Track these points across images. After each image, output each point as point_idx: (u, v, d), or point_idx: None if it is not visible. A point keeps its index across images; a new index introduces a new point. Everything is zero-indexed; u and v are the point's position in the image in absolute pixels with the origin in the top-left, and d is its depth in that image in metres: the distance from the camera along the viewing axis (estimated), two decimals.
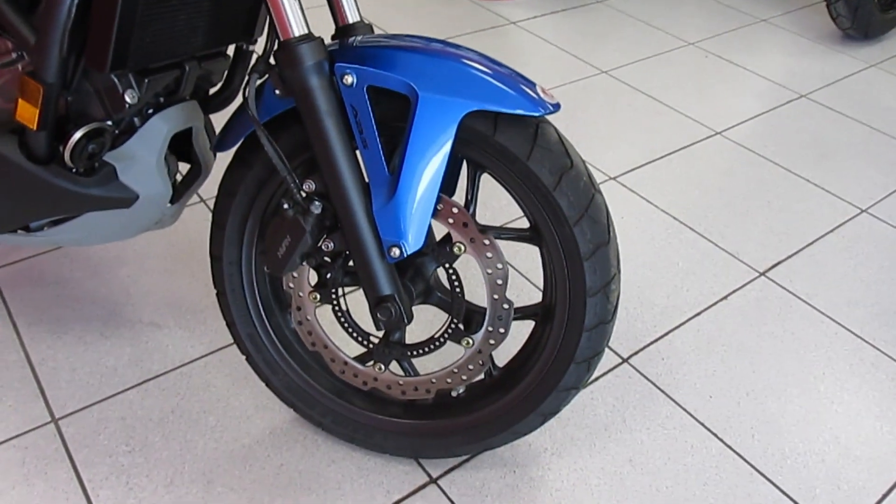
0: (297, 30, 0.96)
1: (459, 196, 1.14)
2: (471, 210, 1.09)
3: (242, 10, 1.16)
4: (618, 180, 2.15)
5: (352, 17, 1.12)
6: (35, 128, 1.03)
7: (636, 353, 1.58)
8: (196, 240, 1.78)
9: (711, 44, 3.06)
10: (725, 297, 1.76)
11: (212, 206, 1.87)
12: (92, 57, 0.97)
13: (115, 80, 1.02)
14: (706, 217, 2.03)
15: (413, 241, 1.02)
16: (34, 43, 0.98)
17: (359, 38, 1.04)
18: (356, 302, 1.58)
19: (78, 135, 1.04)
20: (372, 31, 1.13)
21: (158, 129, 1.13)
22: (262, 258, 1.09)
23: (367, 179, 1.01)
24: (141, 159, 1.14)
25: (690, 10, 3.37)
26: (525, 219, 1.12)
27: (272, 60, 1.01)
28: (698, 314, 1.70)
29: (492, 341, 1.13)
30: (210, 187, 1.95)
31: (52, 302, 1.58)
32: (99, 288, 1.63)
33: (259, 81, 1.02)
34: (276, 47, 0.99)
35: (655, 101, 2.60)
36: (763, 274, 1.84)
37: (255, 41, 1.25)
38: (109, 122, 1.08)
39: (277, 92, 1.01)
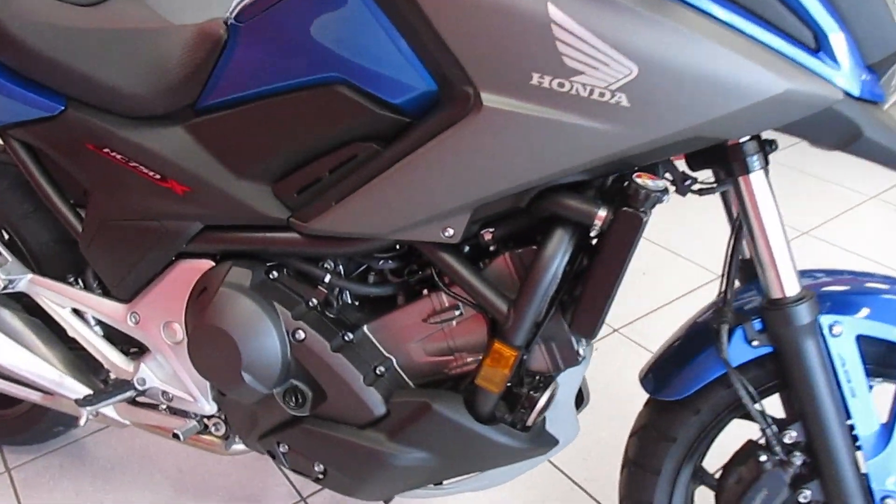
0: (791, 290, 0.94)
1: None
2: None
3: None
4: None
5: None
6: (497, 391, 1.02)
7: None
8: None
9: None
10: None
11: None
12: (580, 325, 0.98)
13: (573, 338, 1.01)
14: None
15: None
16: (509, 311, 0.99)
17: (827, 278, 1.02)
18: None
19: (545, 399, 1.03)
20: None
21: (578, 374, 1.11)
22: None
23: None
24: (562, 406, 1.11)
25: None
26: None
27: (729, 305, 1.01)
28: None
29: None
30: None
31: None
32: None
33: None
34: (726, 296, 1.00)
35: None
36: None
37: None
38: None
39: (755, 343, 0.98)
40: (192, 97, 1.07)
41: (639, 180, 0.89)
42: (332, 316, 1.12)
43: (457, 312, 1.06)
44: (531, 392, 1.05)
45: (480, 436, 1.05)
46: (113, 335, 1.35)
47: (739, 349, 1.00)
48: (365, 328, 1.12)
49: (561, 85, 0.81)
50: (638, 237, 0.91)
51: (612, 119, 0.81)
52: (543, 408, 1.04)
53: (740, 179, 0.92)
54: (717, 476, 1.10)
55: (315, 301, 1.11)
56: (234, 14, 1.00)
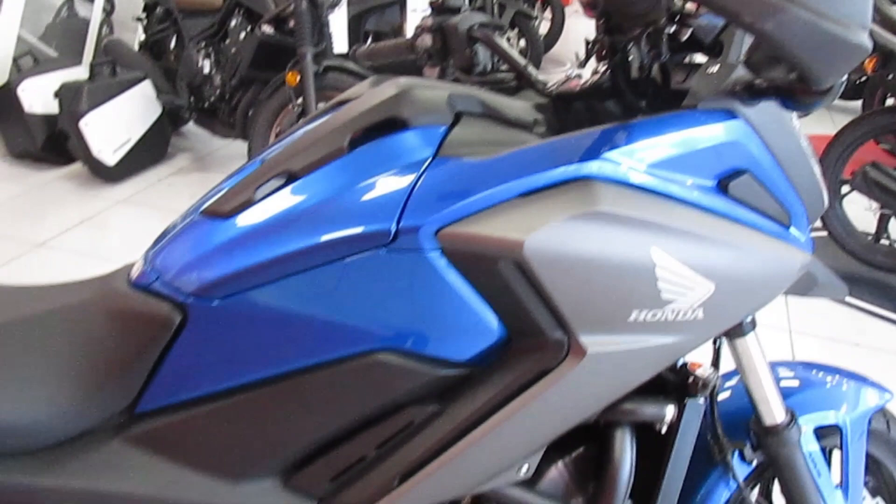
0: (780, 416, 1.07)
1: None
2: None
3: None
4: None
5: None
6: None
7: None
8: None
9: None
10: None
11: None
12: None
13: None
14: None
15: None
16: None
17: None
18: None
19: None
20: None
21: None
22: None
23: None
24: None
25: None
26: None
27: None
28: None
29: None
30: None
31: None
32: None
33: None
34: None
35: None
36: None
37: None
38: None
39: (752, 461, 1.13)
40: (128, 400, 0.87)
41: (699, 371, 0.97)
42: None
43: None
44: None
45: None
46: None
47: (738, 468, 1.15)
48: None
49: (654, 315, 0.85)
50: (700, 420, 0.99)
51: (689, 330, 0.88)
52: None
53: (736, 341, 1.04)
54: None
55: None
56: (192, 288, 0.84)
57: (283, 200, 0.85)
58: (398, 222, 0.80)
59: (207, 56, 3.67)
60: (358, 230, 0.81)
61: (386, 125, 0.87)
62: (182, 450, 0.88)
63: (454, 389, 0.88)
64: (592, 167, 0.82)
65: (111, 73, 3.57)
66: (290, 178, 0.87)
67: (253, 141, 3.36)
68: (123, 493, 0.86)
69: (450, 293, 0.82)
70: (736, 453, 1.13)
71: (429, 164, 0.84)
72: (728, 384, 1.22)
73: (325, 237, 0.81)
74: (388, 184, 0.82)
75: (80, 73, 3.77)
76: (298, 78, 3.07)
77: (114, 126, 3.52)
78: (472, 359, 0.86)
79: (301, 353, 0.84)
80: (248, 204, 0.86)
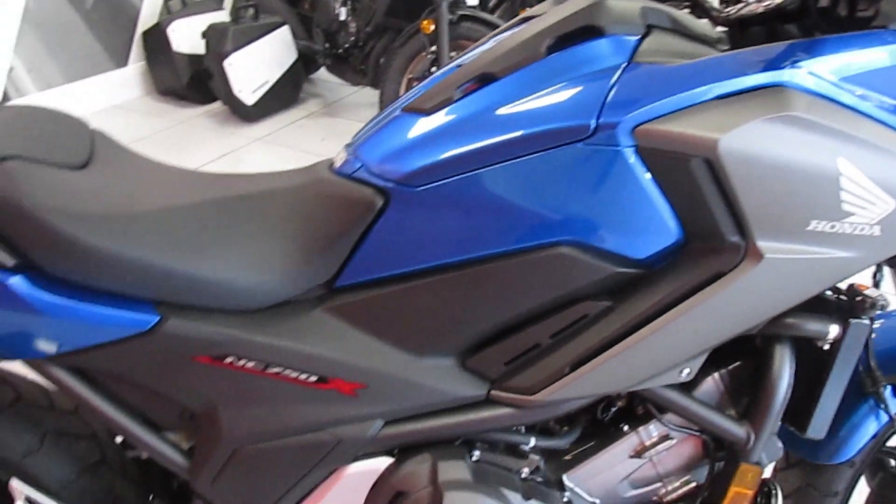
0: None
1: None
2: None
3: None
4: None
5: None
6: None
7: None
8: None
9: None
10: None
11: None
12: (815, 427, 1.05)
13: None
14: None
15: None
16: (748, 433, 1.03)
17: None
18: None
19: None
20: None
21: None
22: None
23: None
24: None
25: None
26: None
27: None
28: None
29: None
30: None
31: None
32: None
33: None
34: None
35: None
36: None
37: None
38: None
39: None
40: (329, 274, 0.96)
41: (867, 292, 0.98)
42: (541, 480, 1.08)
43: (673, 441, 1.07)
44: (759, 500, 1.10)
45: None
46: None
47: (891, 403, 1.16)
48: (566, 481, 1.09)
49: (832, 227, 0.87)
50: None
51: (864, 247, 0.89)
52: None
53: None
54: None
55: (527, 471, 1.06)
56: (396, 176, 0.91)
57: (483, 98, 0.91)
58: (598, 118, 0.85)
59: (344, 3, 3.79)
60: (558, 125, 0.86)
61: (580, 34, 0.92)
62: (373, 323, 0.97)
63: (628, 287, 0.93)
64: (785, 75, 0.85)
65: (254, 17, 3.75)
66: (487, 80, 0.93)
67: (384, 88, 3.46)
68: (319, 355, 0.96)
69: (637, 191, 0.87)
70: (889, 388, 1.14)
71: (625, 67, 0.88)
72: (877, 324, 1.22)
73: (525, 131, 0.87)
74: (586, 84, 0.88)
75: (223, 16, 3.98)
76: (433, 26, 3.14)
77: (254, 67, 3.70)
78: (648, 258, 0.91)
79: (491, 241, 0.91)
80: (449, 102, 0.93)
